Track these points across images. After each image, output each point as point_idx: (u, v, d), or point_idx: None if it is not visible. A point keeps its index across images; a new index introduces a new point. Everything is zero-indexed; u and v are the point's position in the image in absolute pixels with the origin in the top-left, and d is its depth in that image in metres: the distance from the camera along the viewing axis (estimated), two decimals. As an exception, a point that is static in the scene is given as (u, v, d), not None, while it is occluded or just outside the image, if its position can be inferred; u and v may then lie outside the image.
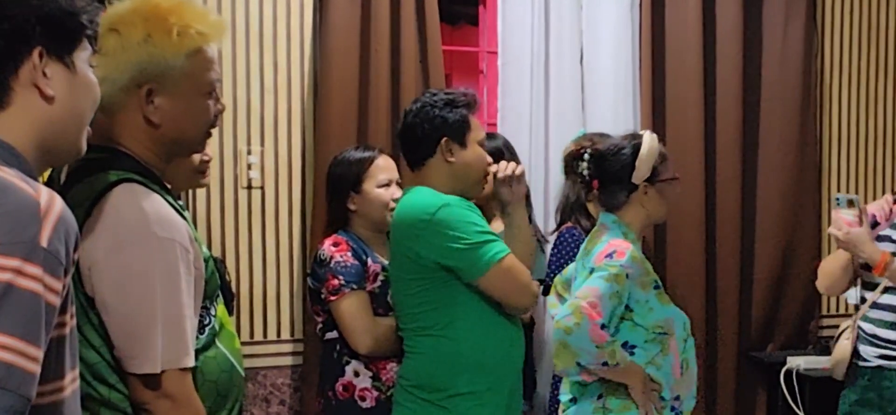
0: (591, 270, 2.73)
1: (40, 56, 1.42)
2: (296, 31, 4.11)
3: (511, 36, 4.34)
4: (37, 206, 1.30)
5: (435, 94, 2.95)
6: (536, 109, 4.34)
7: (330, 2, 4.00)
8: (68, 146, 1.53)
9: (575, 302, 2.65)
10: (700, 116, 4.54)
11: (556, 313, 3.14)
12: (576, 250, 3.58)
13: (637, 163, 2.82)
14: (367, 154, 3.30)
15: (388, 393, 3.08)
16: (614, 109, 4.40)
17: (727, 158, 4.61)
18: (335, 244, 3.16)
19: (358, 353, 3.10)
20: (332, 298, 3.09)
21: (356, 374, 3.13)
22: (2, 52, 1.39)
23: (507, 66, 4.34)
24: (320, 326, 3.25)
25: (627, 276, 2.71)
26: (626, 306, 2.75)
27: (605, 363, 2.66)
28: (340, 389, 3.14)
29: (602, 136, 3.01)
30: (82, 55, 1.50)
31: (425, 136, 2.87)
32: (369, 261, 3.16)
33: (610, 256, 2.72)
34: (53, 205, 1.32)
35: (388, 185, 3.23)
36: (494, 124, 4.38)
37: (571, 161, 2.96)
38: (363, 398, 3.12)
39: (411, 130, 2.91)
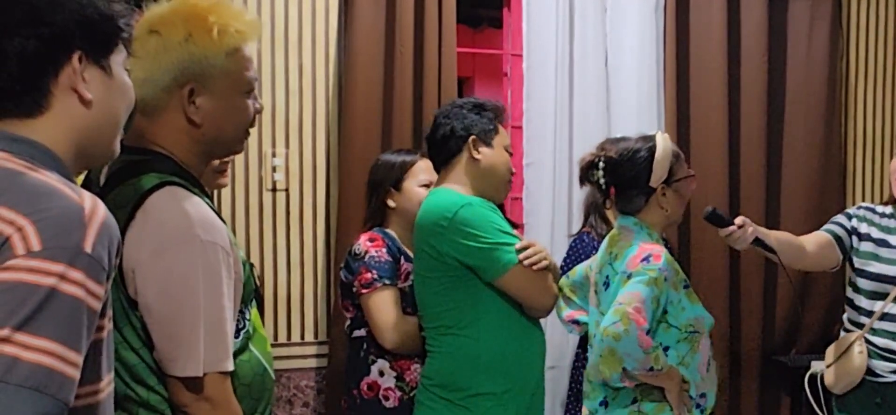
0: (629, 275, 2.71)
1: (80, 60, 1.43)
2: (321, 35, 4.12)
3: (536, 38, 4.34)
4: (81, 211, 1.31)
5: (465, 101, 3.01)
6: (561, 111, 4.34)
7: (355, 5, 4.01)
8: (103, 149, 1.53)
9: (621, 308, 2.62)
10: (724, 118, 4.53)
11: (564, 315, 3.16)
12: (587, 256, 3.59)
13: (654, 166, 2.82)
14: (410, 156, 3.36)
15: (411, 394, 3.10)
16: (638, 112, 4.39)
17: (751, 161, 4.60)
18: (371, 240, 3.21)
19: (384, 348, 3.14)
20: (364, 291, 3.14)
21: (381, 373, 3.17)
22: (43, 57, 1.40)
23: (532, 69, 4.34)
24: (349, 322, 3.29)
25: (665, 279, 2.70)
26: (663, 309, 2.74)
27: (650, 369, 2.65)
28: (365, 388, 3.18)
29: (615, 141, 3.00)
30: (118, 59, 1.51)
31: (454, 133, 2.91)
32: (402, 259, 3.20)
33: (646, 259, 2.71)
34: (97, 210, 1.33)
35: (428, 186, 3.26)
36: (519, 126, 4.38)
37: (586, 170, 2.95)
38: (387, 398, 3.15)
39: (440, 128, 2.95)
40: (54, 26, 1.39)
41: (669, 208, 2.87)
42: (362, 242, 3.21)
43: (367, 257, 3.16)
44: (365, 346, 3.20)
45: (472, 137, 2.89)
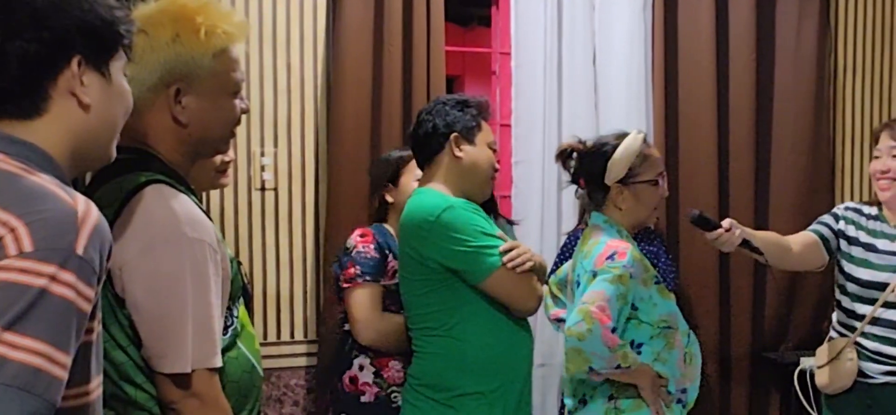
0: (594, 274, 2.72)
1: (79, 65, 1.44)
2: (309, 34, 4.12)
3: (524, 37, 4.34)
4: (74, 214, 1.31)
5: (449, 97, 3.01)
6: (549, 109, 4.34)
7: (343, 4, 4.01)
8: (99, 153, 1.55)
9: (584, 307, 2.64)
10: (713, 116, 4.53)
11: (550, 313, 3.17)
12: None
13: (609, 163, 2.82)
14: (405, 153, 3.39)
15: (389, 390, 3.17)
16: (627, 110, 4.39)
17: (740, 158, 4.61)
18: (362, 235, 3.27)
19: (361, 344, 3.20)
20: (346, 285, 3.21)
21: (361, 368, 3.23)
22: (42, 60, 1.41)
23: (521, 68, 4.34)
24: (341, 315, 3.37)
25: (631, 276, 2.70)
26: (632, 305, 2.75)
27: (617, 366, 2.65)
28: (347, 381, 3.25)
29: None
30: (118, 64, 1.53)
31: (436, 130, 2.91)
32: (390, 256, 3.22)
33: (611, 257, 2.71)
34: (90, 213, 1.34)
35: None
36: (508, 125, 4.39)
37: (561, 160, 2.97)
38: (363, 393, 3.21)
39: (423, 125, 2.95)
40: (55, 30, 1.41)
41: (625, 209, 2.86)
42: (354, 237, 3.28)
43: (354, 252, 3.22)
44: (350, 340, 3.26)
45: (454, 134, 2.89)
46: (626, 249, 2.74)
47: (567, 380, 2.92)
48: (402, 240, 2.92)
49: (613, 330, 2.64)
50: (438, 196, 2.83)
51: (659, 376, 2.77)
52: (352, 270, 3.19)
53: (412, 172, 3.30)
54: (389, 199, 3.36)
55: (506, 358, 2.88)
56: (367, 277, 3.18)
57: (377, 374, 3.21)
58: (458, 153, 2.89)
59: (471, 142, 2.91)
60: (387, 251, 3.23)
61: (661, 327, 2.78)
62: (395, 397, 3.18)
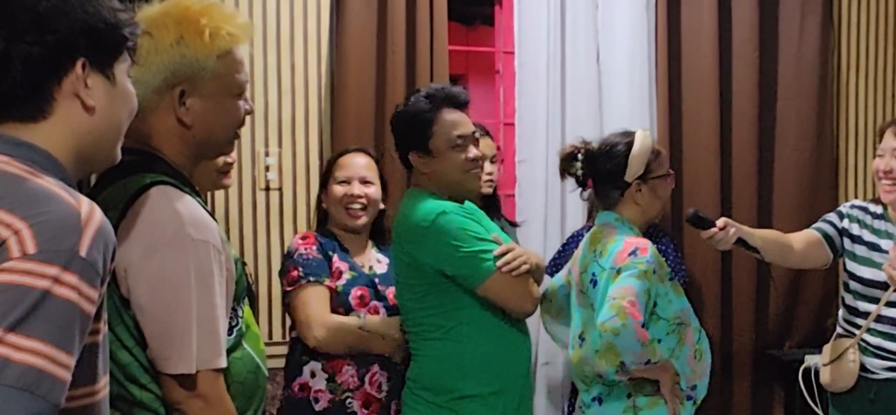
0: (618, 271, 2.72)
1: (83, 68, 1.45)
2: (312, 34, 4.12)
3: (527, 36, 4.34)
4: (77, 216, 1.32)
5: (407, 102, 2.94)
6: (553, 108, 4.34)
7: (346, 4, 4.02)
8: (104, 155, 1.56)
9: (617, 303, 2.63)
10: (716, 114, 4.53)
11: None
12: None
13: (629, 161, 2.83)
14: (338, 153, 3.34)
15: (343, 396, 3.05)
16: (630, 108, 4.40)
17: (743, 157, 4.61)
18: (303, 238, 3.18)
19: (307, 346, 3.06)
20: (289, 288, 3.09)
21: (312, 374, 3.09)
22: (46, 63, 1.41)
23: (524, 66, 4.35)
24: (291, 323, 3.22)
25: (653, 271, 2.71)
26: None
27: (647, 362, 2.66)
28: (297, 388, 3.11)
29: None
30: (122, 66, 1.53)
31: (399, 151, 2.91)
32: (336, 258, 3.13)
33: (633, 253, 2.72)
34: (93, 215, 1.34)
35: (346, 182, 3.21)
36: (511, 124, 4.40)
37: (566, 162, 2.96)
38: (317, 400, 3.07)
39: (394, 138, 2.95)
40: (59, 33, 1.41)
41: (643, 205, 2.89)
42: (295, 242, 3.18)
43: (295, 255, 3.11)
44: (300, 345, 3.13)
45: (410, 153, 2.86)
46: (647, 245, 2.76)
47: (580, 378, 2.92)
48: (396, 244, 2.90)
49: (643, 325, 2.65)
50: (430, 201, 2.80)
51: (675, 374, 2.78)
52: (294, 273, 3.07)
53: (335, 175, 3.22)
54: (325, 205, 3.28)
55: (504, 360, 2.88)
56: (311, 278, 3.06)
57: (331, 379, 3.07)
58: (424, 170, 2.86)
59: (428, 153, 2.83)
60: (331, 253, 3.14)
61: (675, 323, 2.79)
62: (350, 402, 3.05)
